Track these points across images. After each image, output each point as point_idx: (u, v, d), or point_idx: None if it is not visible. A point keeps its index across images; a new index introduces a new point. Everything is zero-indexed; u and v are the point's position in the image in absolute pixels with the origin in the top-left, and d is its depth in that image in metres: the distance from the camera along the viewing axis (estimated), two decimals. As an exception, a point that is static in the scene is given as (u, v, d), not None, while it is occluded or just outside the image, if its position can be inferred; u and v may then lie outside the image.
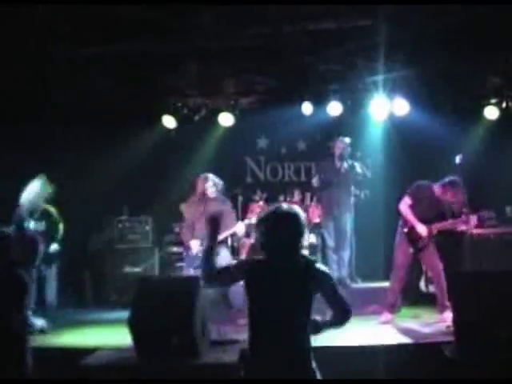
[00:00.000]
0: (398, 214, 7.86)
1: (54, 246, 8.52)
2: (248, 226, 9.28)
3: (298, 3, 7.17)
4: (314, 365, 3.90)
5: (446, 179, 7.65)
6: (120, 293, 9.91)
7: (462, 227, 7.70)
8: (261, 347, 3.89)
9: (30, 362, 5.08)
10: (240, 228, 8.45)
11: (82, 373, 5.52)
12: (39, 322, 5.34)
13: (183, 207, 8.75)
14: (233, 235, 9.67)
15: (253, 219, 8.63)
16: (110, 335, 7.43)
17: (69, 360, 5.88)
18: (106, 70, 9.07)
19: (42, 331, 5.39)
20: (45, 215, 8.56)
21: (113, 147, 10.43)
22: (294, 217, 4.06)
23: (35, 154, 10.00)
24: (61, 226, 8.71)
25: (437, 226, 7.63)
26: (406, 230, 7.69)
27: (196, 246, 8.26)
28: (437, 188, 7.72)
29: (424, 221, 7.63)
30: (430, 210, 7.67)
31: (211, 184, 8.43)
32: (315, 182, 9.64)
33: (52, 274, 8.67)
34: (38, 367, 5.12)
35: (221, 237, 8.15)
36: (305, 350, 3.88)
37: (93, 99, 10.05)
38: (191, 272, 8.19)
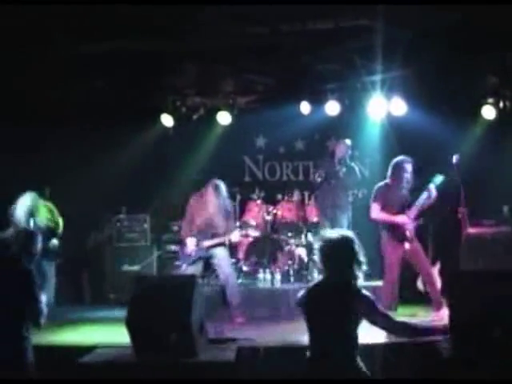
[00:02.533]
0: (374, 223, 7.95)
1: (54, 241, 8.55)
2: (243, 224, 9.31)
3: (296, 3, 7.17)
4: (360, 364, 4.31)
5: (389, 168, 7.86)
6: (118, 291, 9.93)
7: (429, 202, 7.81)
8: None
9: (32, 360, 5.10)
10: (235, 236, 8.39)
11: (81, 371, 5.54)
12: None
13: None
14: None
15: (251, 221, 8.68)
16: (108, 333, 7.45)
17: (67, 358, 5.90)
18: (105, 69, 9.06)
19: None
20: (45, 211, 8.59)
21: (111, 146, 10.44)
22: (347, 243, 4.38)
23: (33, 154, 10.02)
24: (60, 222, 8.74)
25: (410, 214, 7.73)
26: (389, 233, 7.80)
27: (192, 245, 8.24)
28: (389, 180, 7.86)
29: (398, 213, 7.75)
30: (397, 204, 7.78)
31: (217, 196, 8.38)
32: (317, 176, 9.59)
33: (51, 271, 8.69)
34: (36, 366, 5.13)
35: (216, 241, 8.21)
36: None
37: (91, 98, 10.06)
38: (187, 269, 8.19)
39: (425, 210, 7.83)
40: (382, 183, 7.94)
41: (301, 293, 4.49)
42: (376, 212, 7.79)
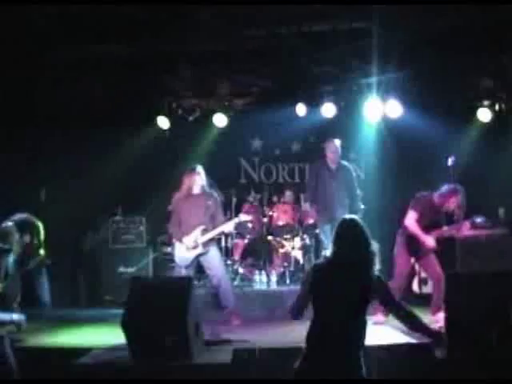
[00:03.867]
0: (400, 225, 7.82)
1: (40, 253, 8.55)
2: (239, 226, 9.25)
3: (293, 3, 7.19)
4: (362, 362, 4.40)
5: (445, 188, 7.63)
6: (114, 293, 9.92)
7: (456, 233, 7.73)
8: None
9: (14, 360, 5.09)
10: (228, 226, 8.30)
11: (77, 372, 5.54)
12: (16, 317, 5.28)
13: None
14: (226, 235, 9.69)
15: (242, 217, 8.57)
16: (104, 335, 7.44)
17: (63, 360, 5.89)
18: (101, 70, 9.07)
19: (18, 326, 5.33)
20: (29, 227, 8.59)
21: (108, 148, 10.44)
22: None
23: (29, 155, 10.02)
24: (41, 229, 8.73)
25: (434, 235, 7.65)
26: (406, 242, 7.73)
27: (190, 242, 8.12)
28: (436, 198, 7.68)
29: (423, 230, 7.64)
30: (430, 220, 7.70)
31: (199, 179, 8.27)
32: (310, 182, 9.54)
33: (41, 272, 8.70)
34: (32, 367, 5.13)
35: (209, 236, 8.15)
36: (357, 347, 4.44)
37: (87, 100, 10.06)
38: (184, 271, 8.16)
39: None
40: (427, 194, 7.77)
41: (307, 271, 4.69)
42: (412, 221, 7.63)
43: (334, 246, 4.58)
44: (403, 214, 7.72)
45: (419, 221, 7.66)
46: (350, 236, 4.56)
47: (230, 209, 10.05)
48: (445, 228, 7.66)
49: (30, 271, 8.21)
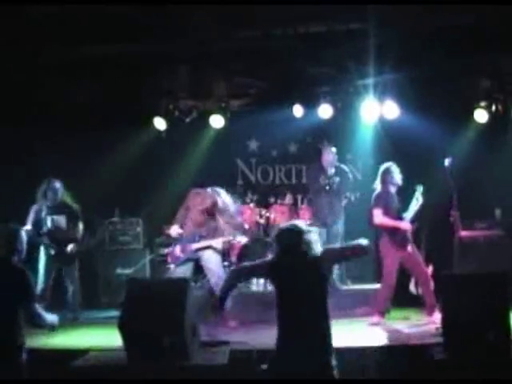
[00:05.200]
0: (375, 228, 8.05)
1: (71, 247, 8.62)
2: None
3: (289, 3, 7.18)
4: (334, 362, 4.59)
5: (379, 174, 8.06)
6: (111, 294, 9.91)
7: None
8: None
9: (24, 362, 5.10)
10: (217, 243, 8.31)
11: (74, 374, 5.53)
12: (50, 318, 5.32)
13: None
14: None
15: (238, 238, 8.73)
16: (100, 337, 7.44)
17: (60, 361, 5.88)
18: (97, 71, 9.06)
19: (52, 327, 5.39)
20: (65, 211, 8.69)
21: (104, 149, 10.44)
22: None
23: (24, 157, 10.01)
24: (80, 226, 8.79)
25: (408, 215, 7.89)
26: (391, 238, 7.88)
27: (174, 231, 8.21)
28: (385, 188, 7.99)
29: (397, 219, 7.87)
30: (394, 209, 7.93)
31: (221, 202, 8.34)
32: (322, 179, 9.50)
33: (71, 274, 8.92)
34: (29, 369, 5.12)
35: (199, 245, 8.18)
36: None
37: (84, 101, 10.05)
38: (176, 270, 8.18)
39: (417, 214, 7.90)
40: (379, 190, 8.03)
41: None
42: (379, 217, 7.87)
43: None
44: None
45: (387, 214, 7.85)
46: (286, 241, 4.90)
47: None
48: (410, 209, 7.91)
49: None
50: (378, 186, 8.04)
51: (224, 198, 8.36)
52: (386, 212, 7.86)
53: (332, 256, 5.01)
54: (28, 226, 8.37)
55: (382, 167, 8.05)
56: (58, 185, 8.75)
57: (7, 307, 4.98)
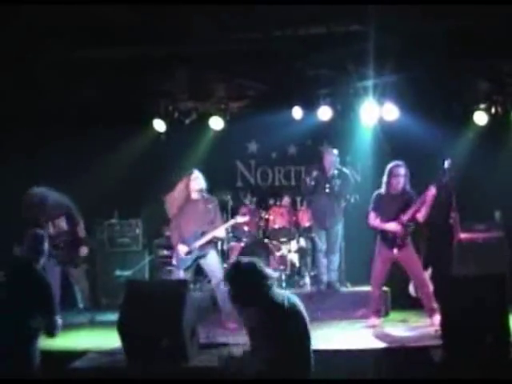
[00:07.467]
0: (372, 229, 8.11)
1: (83, 250, 8.57)
2: (234, 229, 9.28)
3: (288, 3, 7.18)
4: None
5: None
6: (110, 296, 9.92)
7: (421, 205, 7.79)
8: None
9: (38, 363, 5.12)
10: (220, 232, 8.36)
11: (73, 376, 5.53)
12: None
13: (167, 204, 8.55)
14: (222, 240, 9.67)
15: (239, 219, 8.67)
16: (99, 338, 7.43)
17: (59, 363, 5.88)
18: (97, 73, 9.06)
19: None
20: (62, 212, 8.65)
21: (103, 151, 10.45)
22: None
23: (24, 158, 10.00)
24: (81, 226, 8.75)
25: (404, 217, 7.76)
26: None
27: (183, 252, 8.14)
28: (382, 189, 7.98)
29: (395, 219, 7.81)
30: (390, 211, 7.85)
31: (196, 184, 8.28)
32: (309, 180, 9.46)
33: (80, 274, 8.89)
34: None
35: (203, 240, 8.16)
36: None
37: (83, 102, 10.06)
38: (181, 274, 8.15)
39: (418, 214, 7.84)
40: (376, 191, 8.05)
41: None
42: (371, 220, 7.95)
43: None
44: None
45: (382, 216, 7.87)
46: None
47: (226, 212, 10.02)
48: (412, 207, 7.76)
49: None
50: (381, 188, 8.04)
51: (194, 178, 8.31)
52: (381, 214, 7.85)
53: None
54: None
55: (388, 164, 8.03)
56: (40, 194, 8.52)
57: (23, 312, 5.00)
